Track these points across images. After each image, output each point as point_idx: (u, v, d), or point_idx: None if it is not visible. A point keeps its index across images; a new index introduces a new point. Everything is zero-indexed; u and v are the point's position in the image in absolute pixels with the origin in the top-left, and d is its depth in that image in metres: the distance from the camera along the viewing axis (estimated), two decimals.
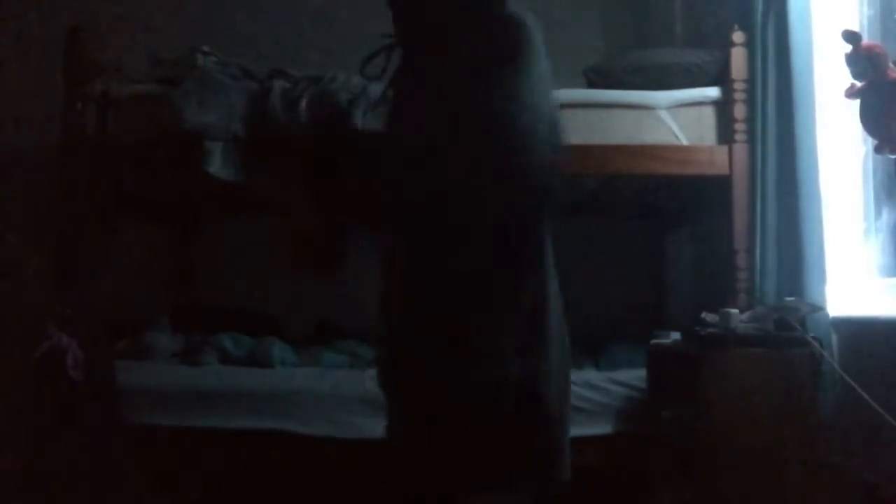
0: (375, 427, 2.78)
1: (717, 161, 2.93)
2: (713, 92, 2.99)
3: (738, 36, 2.92)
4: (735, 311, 2.53)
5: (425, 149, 1.50)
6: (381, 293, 1.59)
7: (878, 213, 2.67)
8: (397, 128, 1.63)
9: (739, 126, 2.90)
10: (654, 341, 2.79)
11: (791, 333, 2.41)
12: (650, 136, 2.94)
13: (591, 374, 2.98)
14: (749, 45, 2.88)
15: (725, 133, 2.95)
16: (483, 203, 1.47)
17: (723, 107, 2.97)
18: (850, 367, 2.39)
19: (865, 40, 2.30)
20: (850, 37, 2.25)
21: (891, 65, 2.21)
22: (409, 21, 1.64)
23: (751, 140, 2.87)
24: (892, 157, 2.34)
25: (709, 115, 2.99)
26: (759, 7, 2.81)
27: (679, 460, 2.52)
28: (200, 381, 2.90)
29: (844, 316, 2.57)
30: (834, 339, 2.53)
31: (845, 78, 2.31)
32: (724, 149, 2.93)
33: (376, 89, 2.97)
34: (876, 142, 2.28)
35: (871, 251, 2.68)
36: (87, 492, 2.61)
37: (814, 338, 2.40)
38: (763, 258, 2.77)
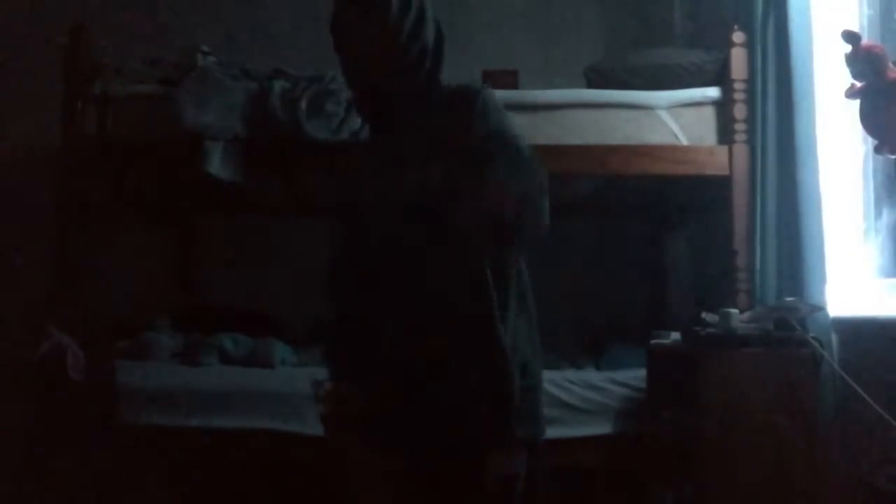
0: None
1: (717, 161, 2.93)
2: (713, 92, 2.99)
3: (738, 36, 2.92)
4: (735, 311, 2.53)
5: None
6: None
7: (878, 214, 2.67)
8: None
9: (739, 126, 2.90)
10: (654, 341, 2.79)
11: (791, 333, 2.41)
12: (650, 136, 2.94)
13: (591, 374, 2.98)
14: (749, 45, 2.88)
15: (725, 133, 2.95)
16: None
17: (723, 107, 2.97)
18: (850, 367, 2.39)
19: (865, 40, 2.30)
20: (850, 37, 2.24)
21: (891, 65, 2.21)
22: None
23: (751, 140, 2.87)
24: (892, 157, 2.34)
25: (709, 115, 2.99)
26: (759, 7, 2.82)
27: (679, 460, 2.52)
28: (200, 381, 2.90)
29: (844, 316, 2.57)
30: (834, 339, 2.53)
31: (845, 78, 2.31)
32: (724, 149, 2.93)
33: None
34: (876, 142, 2.28)
35: (871, 251, 2.68)
36: (87, 491, 2.61)
37: (814, 338, 2.40)
38: (763, 258, 2.77)
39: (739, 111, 2.90)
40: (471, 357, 1.59)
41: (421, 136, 1.64)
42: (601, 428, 2.83)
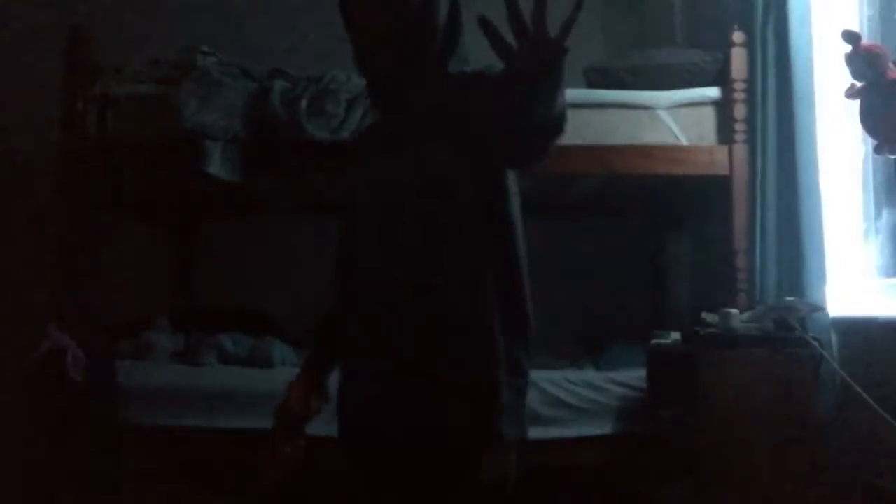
0: None
1: (717, 161, 2.93)
2: (713, 92, 2.99)
3: (738, 36, 2.92)
4: (735, 311, 2.53)
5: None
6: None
7: (878, 214, 2.67)
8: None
9: (739, 126, 2.90)
10: (654, 341, 2.79)
11: (791, 333, 2.41)
12: (650, 136, 2.94)
13: (591, 374, 2.98)
14: (749, 45, 2.88)
15: (725, 133, 2.95)
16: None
17: (723, 107, 2.97)
18: (850, 367, 2.39)
19: (865, 40, 2.30)
20: (850, 37, 2.24)
21: (891, 65, 2.21)
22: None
23: (751, 140, 2.87)
24: (892, 157, 2.34)
25: (709, 115, 2.99)
26: (759, 7, 2.81)
27: (679, 460, 2.52)
28: (200, 381, 2.90)
29: (844, 316, 2.57)
30: (834, 339, 2.53)
31: (845, 78, 2.31)
32: (724, 149, 2.93)
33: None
34: (876, 142, 2.28)
35: (871, 251, 2.68)
36: (87, 491, 2.61)
37: (814, 338, 2.40)
38: (763, 258, 2.77)
39: (739, 111, 2.90)
40: (464, 354, 1.58)
41: (434, 119, 1.60)
42: (601, 428, 2.83)
